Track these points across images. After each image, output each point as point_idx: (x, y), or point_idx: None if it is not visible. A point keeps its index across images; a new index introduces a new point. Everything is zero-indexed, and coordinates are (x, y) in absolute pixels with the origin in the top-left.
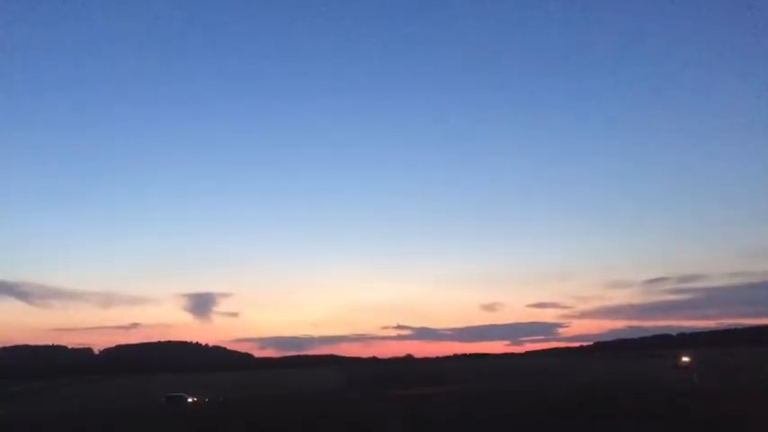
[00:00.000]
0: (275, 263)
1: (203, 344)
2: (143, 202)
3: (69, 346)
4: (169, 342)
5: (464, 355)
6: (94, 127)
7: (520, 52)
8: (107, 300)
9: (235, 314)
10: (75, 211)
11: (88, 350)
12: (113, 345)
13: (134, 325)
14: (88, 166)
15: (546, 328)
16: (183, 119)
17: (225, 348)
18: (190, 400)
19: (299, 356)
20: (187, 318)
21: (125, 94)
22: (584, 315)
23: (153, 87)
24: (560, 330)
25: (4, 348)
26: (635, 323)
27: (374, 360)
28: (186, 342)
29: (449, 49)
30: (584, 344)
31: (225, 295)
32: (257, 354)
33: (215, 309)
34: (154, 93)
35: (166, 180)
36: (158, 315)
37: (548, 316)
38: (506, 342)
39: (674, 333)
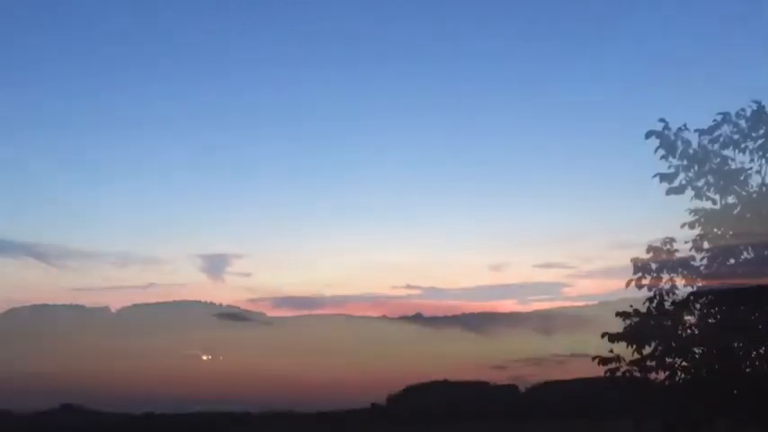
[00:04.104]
0: (288, 223)
1: (217, 303)
2: (159, 164)
3: (87, 306)
4: (184, 301)
5: (472, 314)
6: (110, 91)
7: (523, 18)
8: (124, 260)
9: (248, 274)
10: (93, 172)
11: (105, 309)
12: (130, 304)
13: (150, 284)
14: (104, 128)
15: (552, 288)
16: (197, 82)
17: (238, 308)
18: (204, 357)
19: (311, 315)
20: (201, 277)
21: (140, 57)
22: (589, 275)
23: (169, 51)
24: (566, 290)
25: (23, 307)
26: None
27: (384, 319)
28: (201, 301)
29: (454, 17)
30: (590, 303)
31: (238, 256)
32: (270, 313)
33: (229, 269)
34: (169, 57)
35: (182, 142)
36: (174, 275)
37: (553, 276)
38: (513, 301)
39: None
